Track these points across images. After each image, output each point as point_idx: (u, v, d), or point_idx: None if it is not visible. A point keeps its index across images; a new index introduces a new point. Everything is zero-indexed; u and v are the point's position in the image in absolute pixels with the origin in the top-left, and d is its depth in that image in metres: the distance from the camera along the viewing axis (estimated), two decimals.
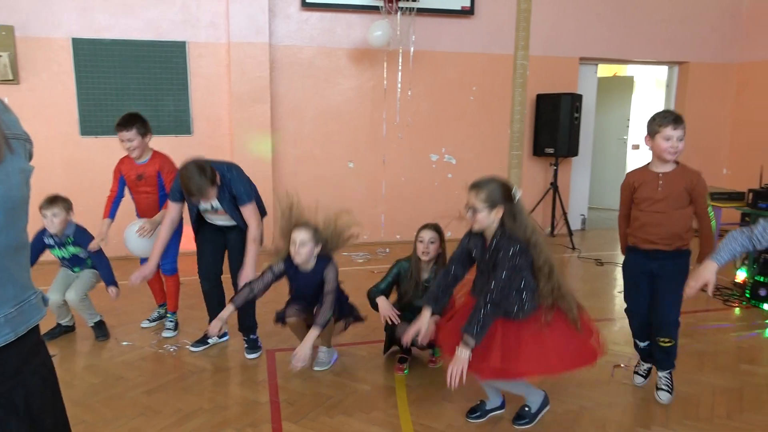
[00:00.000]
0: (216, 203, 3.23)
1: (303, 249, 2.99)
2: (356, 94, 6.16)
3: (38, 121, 5.43)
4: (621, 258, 3.11)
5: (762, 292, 4.36)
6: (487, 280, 2.38)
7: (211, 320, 3.41)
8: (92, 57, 5.48)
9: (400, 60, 6.06)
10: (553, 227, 6.82)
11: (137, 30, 5.54)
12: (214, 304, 3.45)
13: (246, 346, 3.45)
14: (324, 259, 3.07)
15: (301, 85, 6.03)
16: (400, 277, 3.21)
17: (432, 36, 6.22)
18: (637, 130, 8.70)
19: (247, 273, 3.15)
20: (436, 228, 3.15)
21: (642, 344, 3.01)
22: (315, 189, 5.61)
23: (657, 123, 2.68)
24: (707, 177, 2.97)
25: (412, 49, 6.03)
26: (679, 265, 2.75)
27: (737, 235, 2.21)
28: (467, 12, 6.25)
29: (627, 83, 8.53)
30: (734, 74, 7.28)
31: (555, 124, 6.39)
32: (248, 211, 3.23)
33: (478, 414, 2.70)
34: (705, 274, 2.17)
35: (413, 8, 5.80)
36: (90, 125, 5.60)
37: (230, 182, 3.18)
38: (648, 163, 2.82)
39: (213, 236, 3.42)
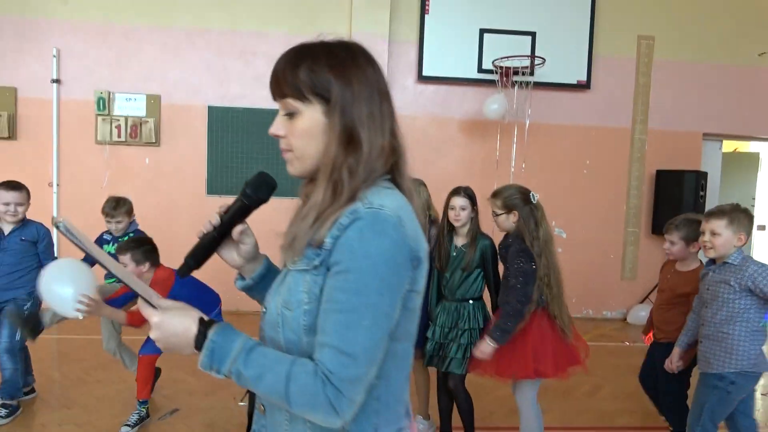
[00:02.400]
0: None
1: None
2: (467, 165, 6.18)
3: (174, 180, 5.90)
4: None
5: None
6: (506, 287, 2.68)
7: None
8: (223, 123, 5.94)
9: (516, 132, 6.06)
10: None
11: (266, 99, 5.94)
12: None
13: None
14: None
15: (414, 153, 6.14)
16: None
17: (547, 109, 6.19)
18: (763, 209, 8.07)
19: None
20: (467, 192, 2.91)
21: None
22: None
23: None
24: None
25: (527, 121, 6.02)
26: None
27: None
28: (583, 86, 6.19)
29: (752, 159, 7.99)
30: None
31: (678, 202, 6.03)
32: None
33: None
34: None
35: (529, 82, 5.83)
36: (216, 185, 5.99)
37: None
38: None
39: None
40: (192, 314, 1.00)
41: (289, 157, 1.06)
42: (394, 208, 0.99)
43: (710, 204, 6.49)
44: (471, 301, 2.89)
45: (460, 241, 2.95)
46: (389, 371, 1.02)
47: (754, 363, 2.48)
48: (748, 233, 2.51)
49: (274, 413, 1.07)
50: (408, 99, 6.15)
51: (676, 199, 6.07)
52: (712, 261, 2.59)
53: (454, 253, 2.92)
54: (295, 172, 1.08)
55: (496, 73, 5.79)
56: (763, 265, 2.45)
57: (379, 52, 5.90)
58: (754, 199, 7.89)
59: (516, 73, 5.72)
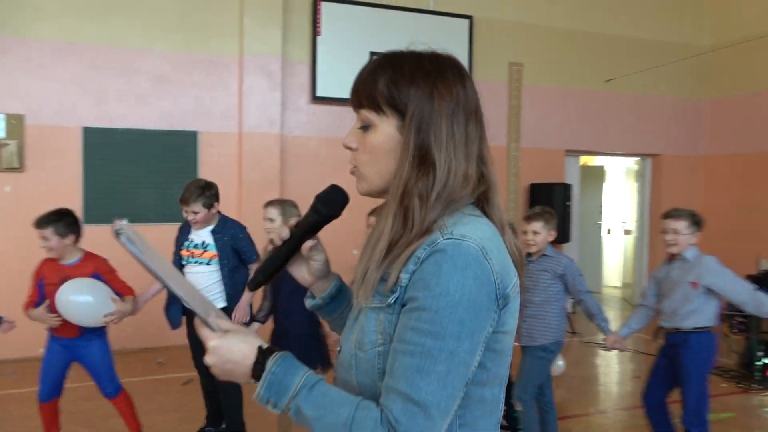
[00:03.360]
0: (207, 237, 3.29)
1: None
2: None
3: (41, 209, 5.21)
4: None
5: None
6: None
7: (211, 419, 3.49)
8: (102, 145, 5.42)
9: None
10: None
11: (150, 120, 5.55)
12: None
13: None
14: None
15: (310, 174, 6.14)
16: None
17: None
18: (609, 215, 9.29)
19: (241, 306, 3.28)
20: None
21: None
22: None
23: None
24: None
25: None
26: None
27: None
28: None
29: (599, 172, 9.13)
30: (702, 166, 7.94)
31: None
32: (253, 268, 3.35)
33: None
34: None
35: None
36: (94, 213, 5.43)
37: (237, 236, 3.35)
38: None
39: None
40: (251, 341, 0.91)
41: (358, 174, 1.00)
42: (479, 238, 0.88)
43: (575, 211, 7.31)
44: None
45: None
46: (476, 420, 0.93)
47: (562, 334, 3.21)
48: (556, 230, 3.24)
49: None
50: (301, 120, 6.13)
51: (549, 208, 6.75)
52: (530, 254, 3.21)
53: None
54: (361, 190, 1.01)
55: None
56: (570, 258, 3.21)
57: (272, 71, 5.83)
58: (601, 206, 9.03)
59: None
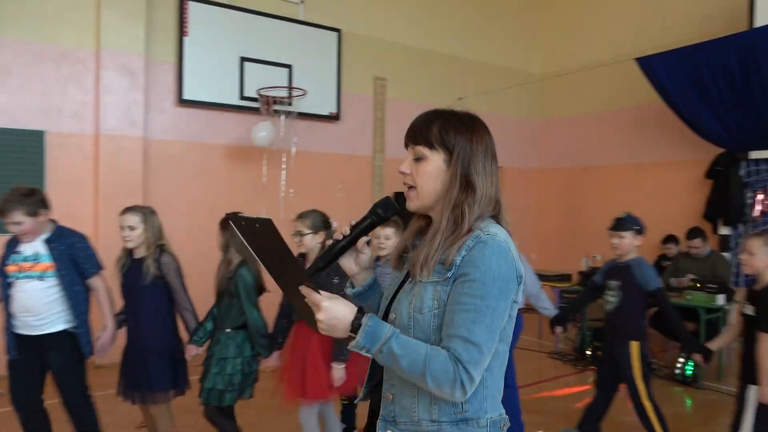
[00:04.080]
0: (40, 247, 2.91)
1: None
2: (233, 190, 6.13)
3: None
4: None
5: None
6: None
7: None
8: None
9: (284, 159, 6.29)
10: None
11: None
12: None
13: None
14: None
15: (175, 180, 5.81)
16: None
17: (308, 137, 6.60)
18: None
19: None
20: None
21: None
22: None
23: None
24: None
25: (293, 149, 6.32)
26: None
27: None
28: (335, 117, 6.81)
29: None
30: (536, 177, 9.03)
31: (409, 218, 7.13)
32: (97, 281, 3.08)
33: None
34: None
35: (291, 112, 6.15)
36: None
37: (75, 245, 3.01)
38: None
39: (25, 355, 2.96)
40: (350, 305, 1.24)
41: (412, 194, 1.36)
42: (504, 237, 1.28)
43: None
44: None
45: None
46: (493, 367, 1.28)
47: None
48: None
49: (403, 398, 1.30)
50: (166, 123, 5.79)
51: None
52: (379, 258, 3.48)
53: None
54: (413, 207, 1.37)
55: (259, 101, 5.94)
56: None
57: (134, 70, 5.45)
58: None
59: (274, 102, 5.96)
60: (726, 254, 6.23)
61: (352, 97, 7.01)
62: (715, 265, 5.60)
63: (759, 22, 5.56)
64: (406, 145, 1.37)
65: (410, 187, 1.35)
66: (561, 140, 8.70)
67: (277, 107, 6.04)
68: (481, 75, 8.23)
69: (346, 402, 3.61)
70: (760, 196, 6.11)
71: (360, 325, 1.21)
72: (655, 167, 7.39)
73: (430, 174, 1.32)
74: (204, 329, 3.10)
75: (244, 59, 6.07)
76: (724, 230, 6.49)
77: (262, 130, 5.79)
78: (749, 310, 2.87)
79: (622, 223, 3.40)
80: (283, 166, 6.31)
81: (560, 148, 8.71)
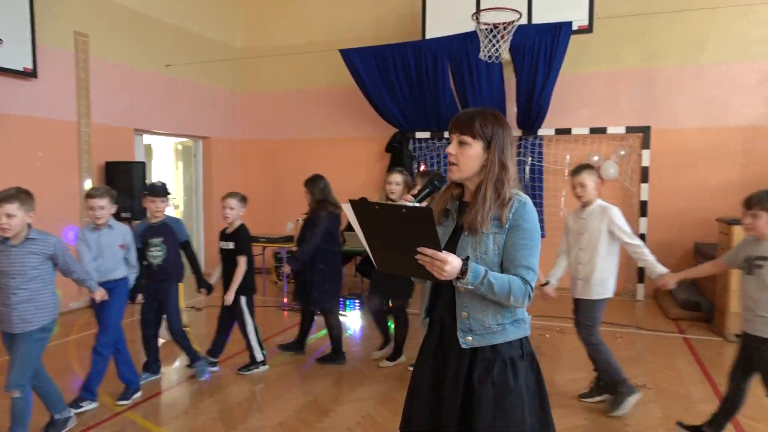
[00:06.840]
0: None
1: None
2: None
3: None
4: None
5: None
6: None
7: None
8: None
9: None
10: None
11: None
12: None
13: None
14: None
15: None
16: None
17: None
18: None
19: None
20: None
21: None
22: None
23: None
24: None
25: None
26: None
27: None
28: (30, 74, 5.88)
29: (148, 150, 9.43)
30: (239, 148, 9.44)
31: (130, 189, 6.74)
32: None
33: None
34: None
35: None
36: None
37: None
38: None
39: None
40: (456, 257, 1.68)
41: (454, 168, 1.87)
42: (530, 201, 1.87)
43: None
44: None
45: None
46: None
47: (57, 311, 3.28)
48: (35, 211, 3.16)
49: (475, 312, 1.82)
50: None
51: (128, 186, 6.77)
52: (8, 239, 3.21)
53: None
54: (454, 177, 1.89)
55: None
56: (58, 238, 3.22)
57: None
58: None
59: None
60: None
61: (51, 52, 6.15)
62: None
63: (429, 34, 7.27)
64: (451, 133, 1.86)
65: (452, 164, 1.86)
66: (263, 114, 9.33)
67: None
68: (189, 44, 8.17)
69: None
70: (422, 166, 8.03)
71: (467, 268, 1.67)
72: (345, 142, 8.75)
73: (471, 156, 1.83)
74: None
75: None
76: None
77: None
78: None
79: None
80: None
81: (262, 121, 9.35)
